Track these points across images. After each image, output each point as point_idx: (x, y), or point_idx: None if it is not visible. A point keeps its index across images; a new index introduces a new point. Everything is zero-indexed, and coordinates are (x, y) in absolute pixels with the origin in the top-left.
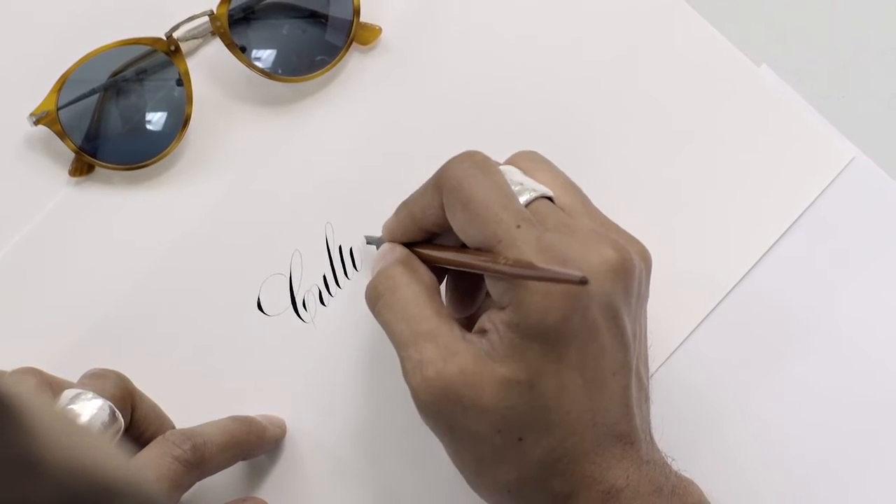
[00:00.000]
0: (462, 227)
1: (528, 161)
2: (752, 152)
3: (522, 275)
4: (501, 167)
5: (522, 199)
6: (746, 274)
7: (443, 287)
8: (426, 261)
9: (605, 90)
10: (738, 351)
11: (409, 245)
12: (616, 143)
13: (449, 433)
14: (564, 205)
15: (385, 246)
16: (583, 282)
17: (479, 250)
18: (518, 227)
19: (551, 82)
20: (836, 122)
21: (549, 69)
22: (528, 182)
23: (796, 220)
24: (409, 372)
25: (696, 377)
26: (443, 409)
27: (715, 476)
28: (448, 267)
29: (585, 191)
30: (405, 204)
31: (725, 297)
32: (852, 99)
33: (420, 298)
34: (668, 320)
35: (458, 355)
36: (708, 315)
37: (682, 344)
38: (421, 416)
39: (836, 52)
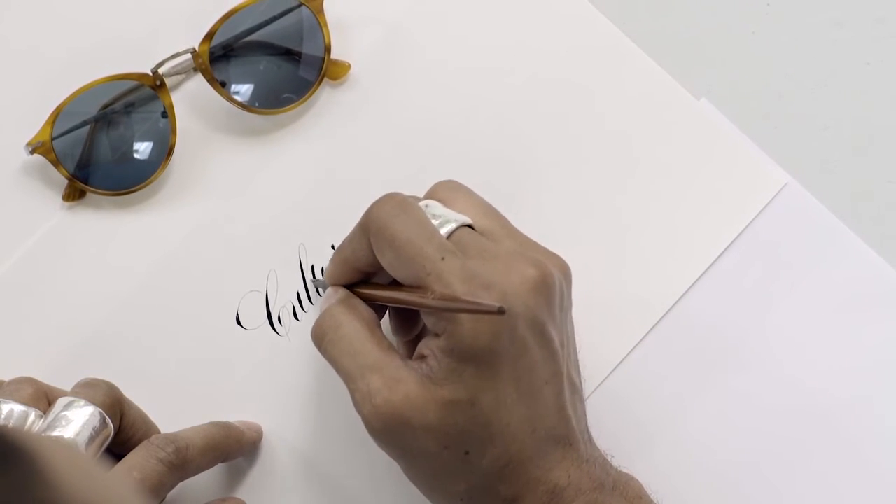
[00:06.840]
0: (391, 266)
1: (447, 191)
2: (692, 179)
3: (448, 308)
4: (422, 202)
5: (444, 231)
6: (685, 293)
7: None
8: (365, 299)
9: (559, 122)
10: (675, 365)
11: (350, 286)
12: (567, 169)
13: (402, 454)
14: (484, 229)
15: (329, 290)
16: (500, 311)
17: (410, 286)
18: (442, 259)
19: (508, 114)
20: (770, 150)
21: (506, 102)
22: (449, 213)
23: (732, 242)
24: (359, 403)
25: (634, 390)
26: (394, 433)
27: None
28: (384, 304)
29: (538, 214)
30: (339, 250)
31: (665, 314)
32: (785, 129)
33: (362, 334)
34: (607, 340)
35: (403, 382)
36: (648, 332)
37: (621, 362)
38: (375, 441)
39: (771, 87)
